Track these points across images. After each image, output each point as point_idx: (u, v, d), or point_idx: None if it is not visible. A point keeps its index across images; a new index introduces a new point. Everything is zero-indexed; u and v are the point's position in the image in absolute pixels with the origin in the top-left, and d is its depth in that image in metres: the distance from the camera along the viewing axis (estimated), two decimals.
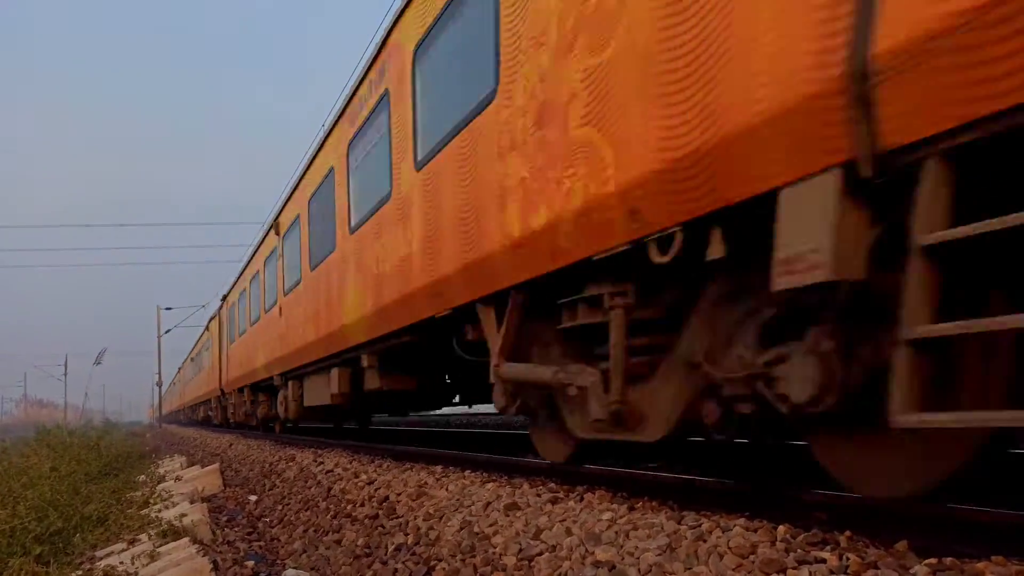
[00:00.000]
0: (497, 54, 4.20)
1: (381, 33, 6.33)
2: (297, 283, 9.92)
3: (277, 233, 11.47)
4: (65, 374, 61.55)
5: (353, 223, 7.28)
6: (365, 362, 7.09)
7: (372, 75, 6.73)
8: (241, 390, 16.02)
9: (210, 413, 23.73)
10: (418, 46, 5.56)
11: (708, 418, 3.02)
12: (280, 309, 11.13)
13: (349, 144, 7.46)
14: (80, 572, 4.00)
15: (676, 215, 2.80)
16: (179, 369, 38.82)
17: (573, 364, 3.75)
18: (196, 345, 28.29)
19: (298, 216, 10.01)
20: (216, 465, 9.08)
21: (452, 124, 4.84)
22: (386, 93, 6.28)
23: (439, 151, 5.06)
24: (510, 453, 7.35)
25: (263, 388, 13.73)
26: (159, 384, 42.97)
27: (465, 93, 4.67)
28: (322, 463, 7.45)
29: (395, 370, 7.01)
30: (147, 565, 3.96)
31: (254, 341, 13.66)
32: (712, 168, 2.59)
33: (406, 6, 5.77)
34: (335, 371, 8.24)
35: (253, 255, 14.31)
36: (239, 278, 16.39)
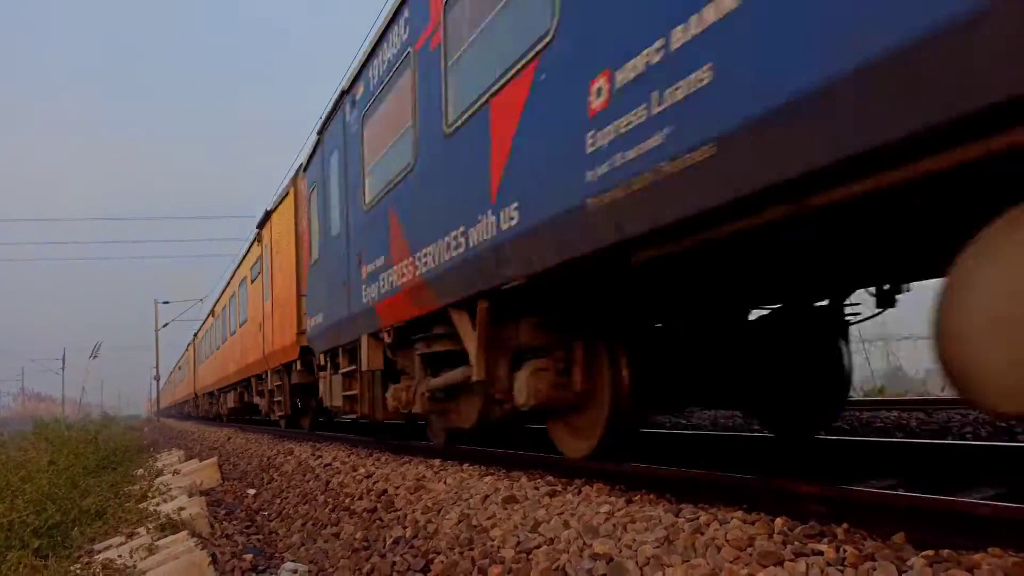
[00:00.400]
0: (246, 311, 14.95)
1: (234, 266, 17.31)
2: (219, 346, 19.89)
3: (213, 316, 21.84)
4: (63, 368, 61.51)
5: (230, 332, 17.23)
6: (238, 389, 17.26)
7: (236, 277, 16.66)
8: (205, 394, 25.90)
9: (189, 409, 34.75)
10: (245, 277, 15.39)
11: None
12: (215, 355, 20.79)
13: (230, 297, 17.68)
14: (78, 565, 4.00)
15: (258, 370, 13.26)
16: (171, 372, 47.55)
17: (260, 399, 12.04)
18: (181, 358, 39.04)
19: (219, 314, 20.28)
20: (214, 459, 9.09)
21: (242, 321, 15.25)
22: (243, 280, 15.43)
23: (242, 325, 15.42)
24: (508, 447, 7.34)
25: (213, 395, 23.11)
26: (156, 378, 42.96)
27: (243, 314, 15.20)
28: (320, 457, 7.45)
29: (251, 393, 15.33)
30: (145, 558, 3.96)
31: (208, 367, 23.25)
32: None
33: (245, 253, 15.57)
34: (231, 392, 18.44)
35: (206, 319, 24.85)
36: (201, 327, 26.71)
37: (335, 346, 7.50)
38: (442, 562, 3.16)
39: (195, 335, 28.61)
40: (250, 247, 14.40)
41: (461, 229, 4.30)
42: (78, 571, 3.87)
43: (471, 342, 4.52)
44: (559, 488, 3.70)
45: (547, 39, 3.37)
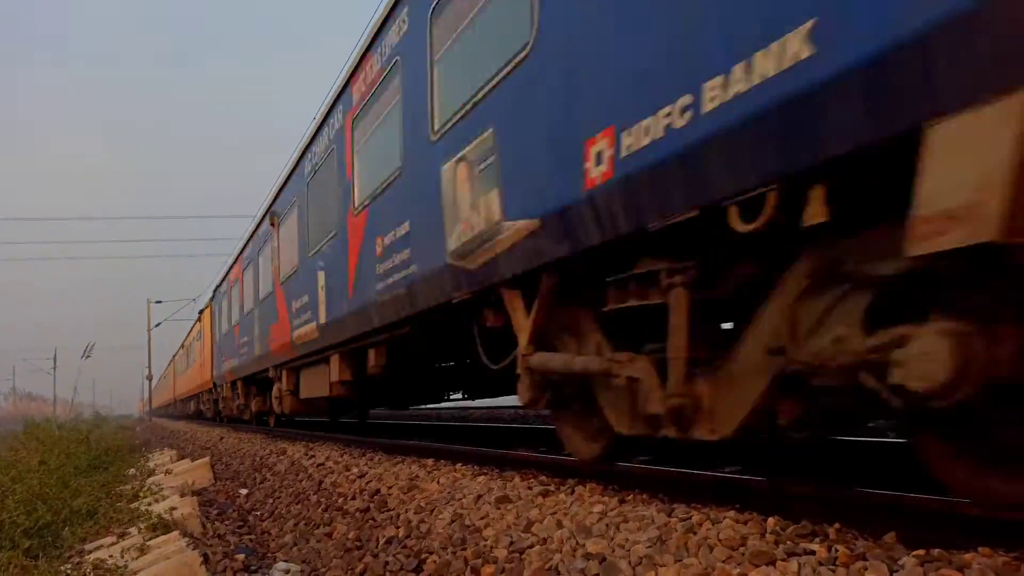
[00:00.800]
0: (196, 355, 24.14)
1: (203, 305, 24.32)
2: (185, 370, 28.44)
3: (183, 348, 29.86)
4: (54, 368, 61.17)
5: (190, 363, 26.49)
6: (195, 398, 25.81)
7: (191, 336, 26.46)
8: (179, 400, 33.55)
9: (172, 410, 41.45)
10: (194, 337, 25.33)
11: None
12: (184, 374, 28.78)
13: (190, 342, 26.59)
14: (69, 565, 3.98)
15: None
16: (159, 379, 51.81)
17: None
18: (166, 368, 44.99)
19: (186, 347, 28.24)
20: (207, 459, 9.06)
21: (194, 360, 24.85)
22: (194, 338, 25.25)
23: (194, 362, 25.14)
24: (501, 446, 7.34)
25: (184, 400, 30.90)
26: (149, 378, 42.80)
27: (195, 356, 24.97)
28: (313, 456, 7.44)
29: (200, 402, 24.12)
30: (137, 558, 3.94)
31: (180, 380, 31.38)
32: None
33: (194, 324, 25.48)
34: (193, 400, 26.97)
35: (179, 350, 32.65)
36: (177, 352, 34.01)
37: (220, 384, 16.67)
38: (435, 562, 3.15)
39: (174, 356, 38.04)
40: (195, 323, 24.72)
41: (234, 359, 14.12)
42: (68, 571, 3.85)
43: (241, 391, 13.92)
44: (552, 488, 3.70)
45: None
